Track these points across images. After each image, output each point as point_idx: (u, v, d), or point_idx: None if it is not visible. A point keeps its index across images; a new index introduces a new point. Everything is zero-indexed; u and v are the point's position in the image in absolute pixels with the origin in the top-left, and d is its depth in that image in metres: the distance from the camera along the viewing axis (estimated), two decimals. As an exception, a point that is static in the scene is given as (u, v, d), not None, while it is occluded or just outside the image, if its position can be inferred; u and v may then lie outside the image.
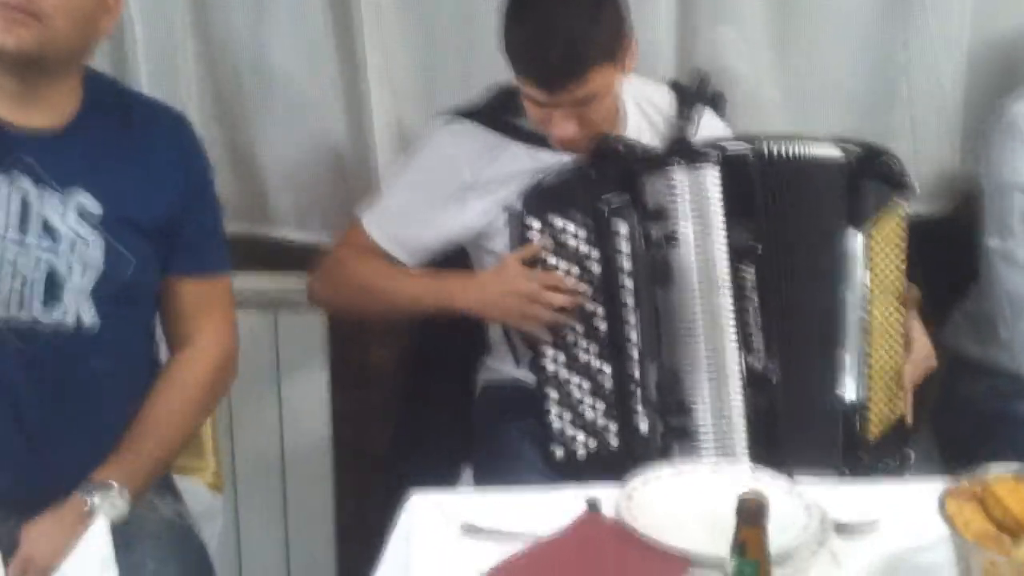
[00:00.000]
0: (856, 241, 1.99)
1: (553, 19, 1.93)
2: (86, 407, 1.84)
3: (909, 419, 2.05)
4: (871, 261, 2.00)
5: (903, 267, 2.05)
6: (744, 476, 1.68)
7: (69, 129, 1.83)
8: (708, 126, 2.19)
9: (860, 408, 2.01)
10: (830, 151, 2.02)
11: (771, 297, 1.96)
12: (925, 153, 2.44)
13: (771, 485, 1.62)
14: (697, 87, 2.25)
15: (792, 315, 1.99)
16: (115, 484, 1.78)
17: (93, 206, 1.81)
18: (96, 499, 1.76)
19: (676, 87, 2.27)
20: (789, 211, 1.99)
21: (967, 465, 1.53)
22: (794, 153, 2.00)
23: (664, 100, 2.23)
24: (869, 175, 2.02)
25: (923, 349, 2.08)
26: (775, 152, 1.98)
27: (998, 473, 1.48)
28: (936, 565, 1.46)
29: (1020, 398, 2.28)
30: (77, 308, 1.82)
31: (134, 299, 1.89)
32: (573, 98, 1.96)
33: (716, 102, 2.31)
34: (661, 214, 1.96)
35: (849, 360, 2.00)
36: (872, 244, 2.00)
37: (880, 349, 2.02)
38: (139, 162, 1.88)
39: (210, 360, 1.97)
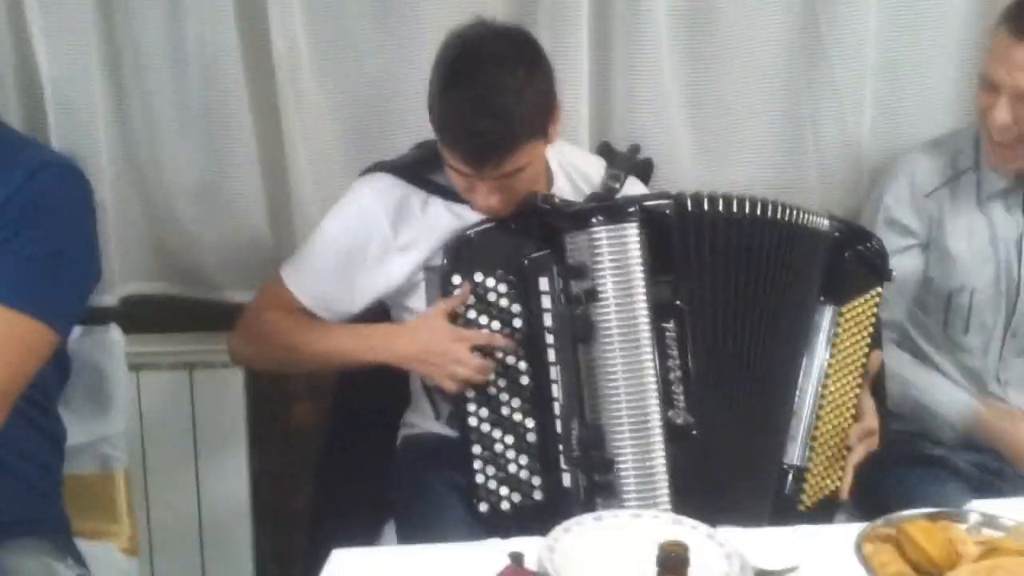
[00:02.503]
0: (825, 316, 2.05)
1: (483, 96, 1.92)
2: None
3: (844, 494, 2.08)
4: (838, 337, 2.05)
5: (869, 345, 2.10)
6: (665, 523, 1.68)
7: None
8: (632, 191, 2.21)
9: (798, 475, 2.04)
10: (815, 220, 2.06)
11: (701, 353, 1.97)
12: (833, 204, 2.48)
13: (692, 532, 1.63)
14: (627, 152, 2.27)
15: (730, 371, 2.00)
16: None
17: None
18: None
19: (606, 150, 2.29)
20: (724, 268, 2.00)
21: (880, 505, 1.56)
22: (751, 212, 2.01)
23: (593, 169, 2.24)
24: (854, 255, 2.07)
25: (870, 426, 2.11)
26: (708, 208, 2.00)
27: (912, 515, 1.50)
28: (855, 608, 1.47)
29: (928, 439, 2.33)
30: None
31: None
32: (497, 173, 1.96)
33: (644, 170, 2.34)
34: (582, 271, 1.96)
35: (795, 427, 2.04)
36: (841, 322, 2.06)
37: (829, 423, 2.06)
38: None
39: None
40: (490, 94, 1.92)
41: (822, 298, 2.06)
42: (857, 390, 2.09)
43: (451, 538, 1.87)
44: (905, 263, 2.29)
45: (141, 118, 2.45)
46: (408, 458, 2.24)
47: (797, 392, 2.04)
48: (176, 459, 2.52)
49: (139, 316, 2.45)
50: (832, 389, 2.05)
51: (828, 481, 2.08)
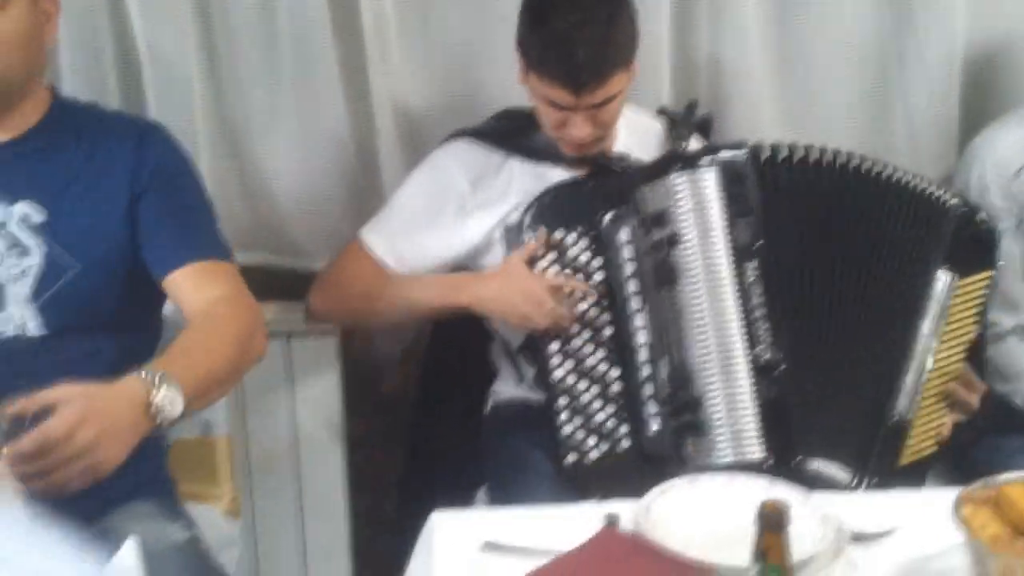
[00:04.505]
0: (943, 283, 2.05)
1: (577, 25, 1.98)
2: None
3: (945, 431, 2.09)
4: (953, 308, 2.05)
5: (976, 323, 2.10)
6: (760, 486, 1.69)
7: (14, 144, 1.87)
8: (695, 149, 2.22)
9: (903, 427, 2.04)
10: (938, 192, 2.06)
11: (786, 292, 1.99)
12: (924, 168, 2.45)
13: (787, 495, 1.64)
14: (685, 112, 2.29)
15: (820, 311, 2.01)
16: (173, 381, 1.62)
17: (36, 214, 1.84)
18: (156, 394, 1.60)
19: (665, 113, 2.31)
20: (807, 212, 2.02)
21: (975, 471, 1.56)
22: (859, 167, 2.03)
23: (654, 128, 2.27)
24: (976, 231, 2.08)
25: (975, 385, 2.12)
26: (785, 154, 2.02)
27: (1011, 477, 1.50)
28: (953, 570, 1.47)
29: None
30: (22, 316, 1.83)
31: (84, 306, 1.87)
32: (594, 99, 2.02)
33: (704, 127, 2.35)
34: (662, 217, 2.00)
35: (905, 381, 2.03)
36: (959, 293, 2.06)
37: (935, 386, 2.06)
38: (85, 168, 1.89)
39: (236, 312, 1.85)
40: (584, 23, 1.99)
41: (943, 267, 2.05)
42: (962, 362, 2.09)
43: (542, 500, 1.90)
44: (1005, 247, 2.25)
45: (235, 92, 2.50)
46: (496, 424, 2.28)
47: (909, 351, 2.03)
48: (274, 425, 2.56)
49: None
50: (942, 355, 2.04)
51: (926, 443, 2.07)
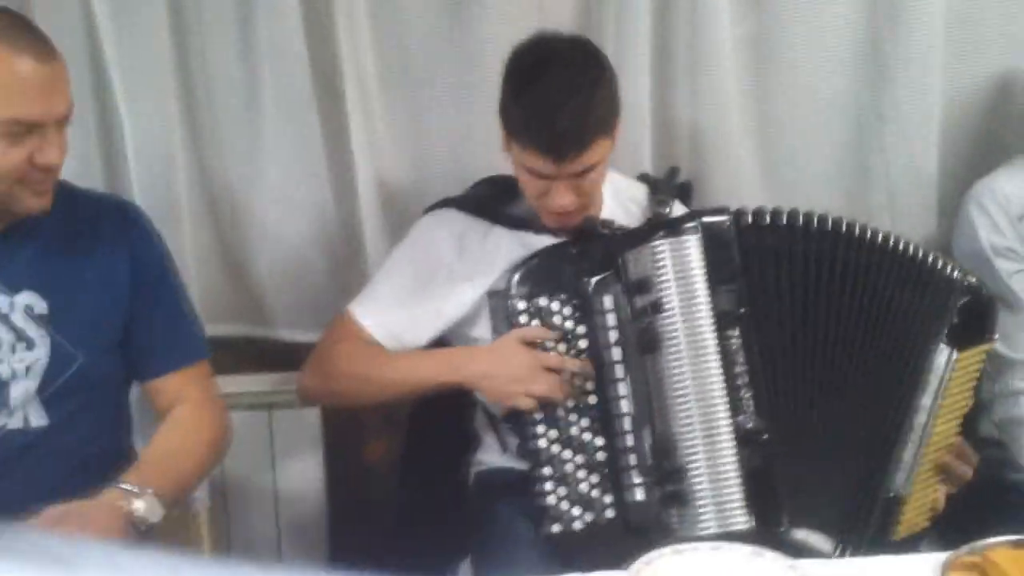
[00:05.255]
0: (943, 357, 2.01)
1: (559, 91, 1.98)
2: (47, 504, 1.73)
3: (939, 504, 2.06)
4: (952, 381, 2.02)
5: (971, 396, 2.08)
6: (745, 555, 1.67)
7: (12, 233, 1.86)
8: (678, 214, 2.22)
9: (898, 504, 2.01)
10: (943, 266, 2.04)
11: (769, 359, 1.97)
12: (905, 229, 2.46)
13: (772, 564, 1.62)
14: (667, 177, 2.29)
15: (805, 379, 1.99)
16: (150, 490, 1.74)
17: (39, 305, 1.84)
18: (137, 502, 1.71)
19: (646, 179, 2.32)
20: (790, 278, 1.99)
21: (963, 534, 1.54)
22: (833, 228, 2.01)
23: (638, 193, 2.27)
24: (977, 304, 2.05)
25: (968, 458, 2.09)
26: (768, 219, 2.00)
27: (996, 542, 1.49)
28: (941, 636, 1.46)
29: (1008, 467, 2.30)
30: (24, 411, 1.83)
31: (88, 394, 1.90)
32: (574, 168, 2.01)
33: (685, 192, 2.36)
34: (646, 284, 1.98)
35: (901, 456, 2.00)
36: (957, 367, 2.02)
37: (930, 460, 2.03)
38: (85, 256, 1.90)
39: (208, 418, 1.98)
40: (566, 92, 1.98)
41: (944, 340, 2.03)
42: (958, 436, 2.07)
43: (526, 570, 1.88)
44: (1017, 288, 2.27)
45: (218, 165, 2.52)
46: (480, 494, 2.25)
47: (907, 426, 2.00)
48: (256, 498, 2.54)
49: (215, 358, 2.49)
50: (939, 429, 2.02)
51: (921, 518, 2.05)
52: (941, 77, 2.51)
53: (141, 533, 1.70)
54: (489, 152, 2.28)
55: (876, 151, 2.56)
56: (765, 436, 1.95)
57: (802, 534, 1.95)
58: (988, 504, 2.15)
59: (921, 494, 2.03)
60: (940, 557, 1.49)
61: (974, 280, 2.07)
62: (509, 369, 2.03)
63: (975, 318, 2.05)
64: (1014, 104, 2.54)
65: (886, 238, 2.02)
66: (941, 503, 2.05)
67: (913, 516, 2.03)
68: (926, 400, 2.01)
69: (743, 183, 2.56)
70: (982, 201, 2.32)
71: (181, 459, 1.88)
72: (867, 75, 2.53)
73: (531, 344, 2.03)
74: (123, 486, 1.73)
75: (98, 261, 1.91)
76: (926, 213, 2.57)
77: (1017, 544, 1.48)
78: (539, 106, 1.99)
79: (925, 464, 2.02)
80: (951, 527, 2.08)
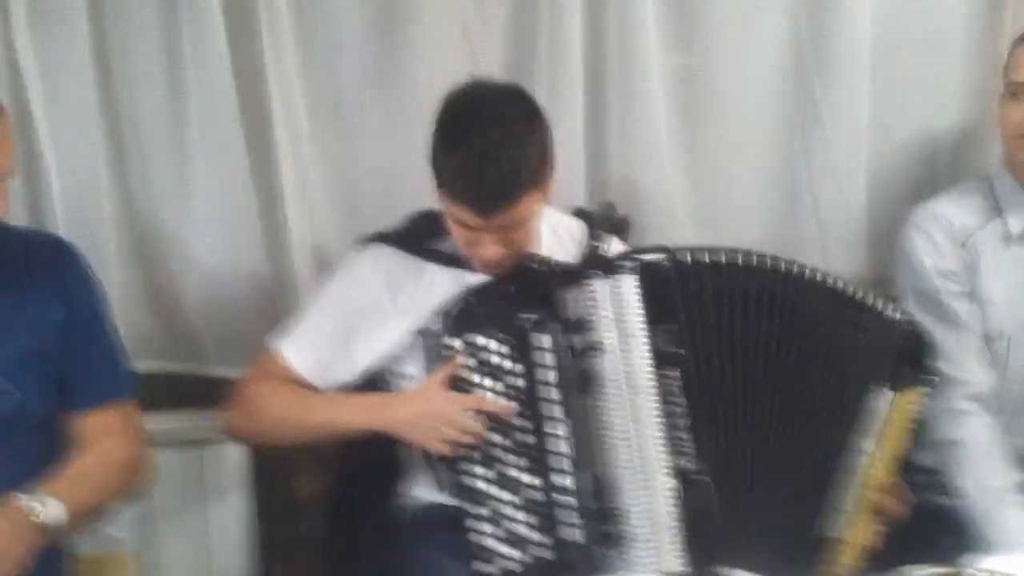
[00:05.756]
0: (883, 399, 2.04)
1: (488, 146, 1.96)
2: None
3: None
4: (891, 424, 2.04)
5: (908, 437, 2.10)
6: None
7: None
8: (615, 249, 2.23)
9: (834, 546, 2.02)
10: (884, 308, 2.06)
11: (708, 401, 1.97)
12: (834, 264, 2.50)
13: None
14: (603, 213, 2.30)
15: (744, 422, 1.99)
16: (53, 496, 1.80)
17: None
18: (38, 506, 1.77)
19: (582, 214, 2.32)
20: (728, 318, 1.99)
21: (895, 559, 1.55)
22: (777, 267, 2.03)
23: (575, 227, 2.27)
24: (918, 347, 2.08)
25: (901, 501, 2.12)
26: (705, 259, 2.00)
27: (921, 573, 1.50)
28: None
29: (944, 493, 2.31)
30: None
31: (23, 430, 1.90)
32: (503, 222, 1.99)
33: (621, 228, 2.36)
34: (582, 325, 1.97)
35: (839, 499, 2.02)
36: (896, 408, 2.05)
37: (867, 502, 2.05)
38: (17, 294, 1.90)
39: (121, 446, 1.99)
40: (495, 146, 1.96)
41: (885, 384, 2.05)
42: (894, 475, 2.09)
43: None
44: (962, 308, 2.31)
45: (144, 199, 2.48)
46: (412, 531, 2.22)
47: (846, 468, 2.02)
48: (184, 537, 2.51)
49: (144, 394, 2.45)
50: (877, 471, 2.04)
51: (857, 559, 2.06)
52: (868, 113, 2.55)
53: (45, 536, 1.75)
54: (420, 191, 2.26)
55: (804, 183, 2.60)
56: (703, 477, 1.96)
57: (737, 574, 1.95)
58: (914, 529, 2.17)
59: (856, 534, 2.05)
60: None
61: (914, 321, 2.10)
62: (431, 417, 2.02)
63: (915, 360, 2.08)
64: (943, 134, 2.60)
65: (825, 277, 2.04)
66: (876, 543, 2.06)
67: (850, 557, 2.04)
68: (866, 443, 2.03)
69: (674, 219, 2.58)
70: (924, 225, 2.36)
71: (89, 477, 1.90)
72: (795, 109, 2.57)
73: (457, 382, 2.02)
74: (24, 491, 1.78)
75: (31, 296, 1.91)
76: (856, 245, 2.62)
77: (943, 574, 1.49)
78: (467, 160, 1.97)
79: (863, 506, 2.04)
80: (877, 553, 2.11)
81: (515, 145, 1.97)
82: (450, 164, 2.00)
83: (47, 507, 1.77)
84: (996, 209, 2.34)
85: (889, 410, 2.04)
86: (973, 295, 2.32)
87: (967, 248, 2.32)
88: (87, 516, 1.90)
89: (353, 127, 2.50)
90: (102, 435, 1.97)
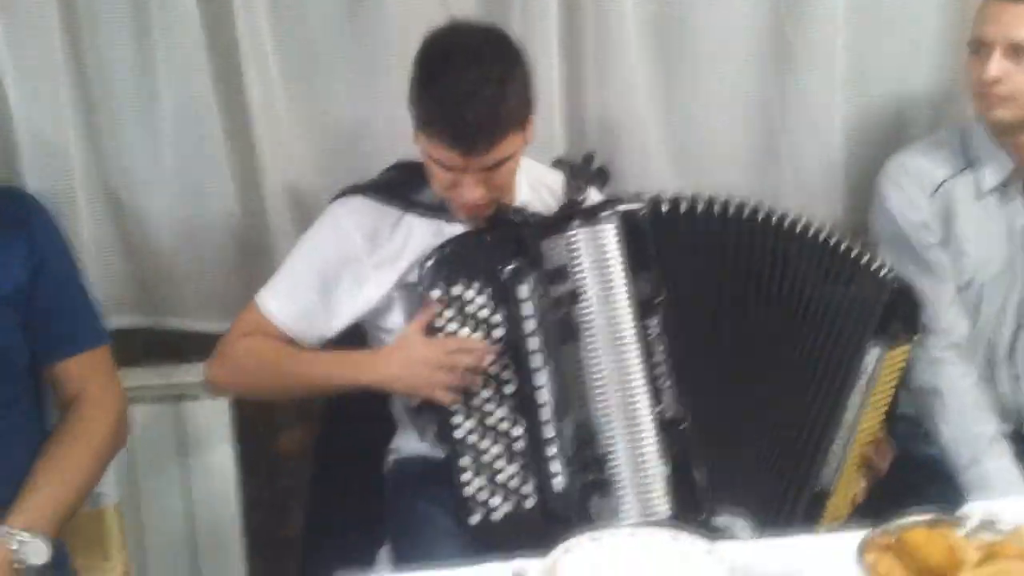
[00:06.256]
0: (872, 356, 2.06)
1: (469, 85, 1.94)
2: None
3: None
4: (880, 379, 2.07)
5: (895, 389, 2.13)
6: (664, 539, 1.68)
7: None
8: (594, 200, 2.22)
9: (823, 498, 2.05)
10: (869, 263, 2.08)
11: (689, 348, 1.98)
12: (812, 210, 2.49)
13: (690, 547, 1.63)
14: (582, 163, 2.29)
15: (727, 369, 2.01)
16: (28, 533, 1.82)
17: None
18: (16, 546, 1.80)
19: (562, 163, 2.31)
20: (708, 266, 2.01)
21: (883, 509, 1.57)
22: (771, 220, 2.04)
23: (553, 180, 2.26)
24: (901, 303, 2.10)
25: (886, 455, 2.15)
26: (684, 207, 2.01)
27: (911, 522, 1.51)
28: (858, 616, 1.48)
29: (919, 441, 2.34)
30: None
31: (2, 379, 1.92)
32: (484, 162, 1.98)
33: (600, 178, 2.35)
34: (562, 273, 1.98)
35: (829, 453, 2.04)
36: (885, 364, 2.07)
37: (856, 456, 2.08)
38: None
39: (102, 416, 2.00)
40: (476, 84, 1.95)
41: (874, 340, 2.07)
42: (881, 429, 2.12)
43: (447, 559, 1.87)
44: (935, 257, 2.33)
45: (115, 153, 2.46)
46: (397, 483, 2.24)
47: (837, 422, 2.04)
48: (166, 491, 2.51)
49: (118, 349, 2.45)
50: (865, 425, 2.07)
51: (843, 511, 2.09)
52: (844, 60, 2.54)
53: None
54: (393, 142, 2.27)
55: (781, 132, 2.60)
56: (686, 424, 1.97)
57: (724, 520, 1.97)
58: (900, 479, 2.20)
59: (845, 488, 2.07)
60: (855, 537, 1.51)
61: (901, 278, 2.11)
62: (416, 367, 2.01)
63: (902, 317, 2.09)
64: (919, 83, 2.60)
65: (807, 227, 2.05)
66: (861, 496, 2.08)
67: (837, 509, 2.06)
68: (855, 398, 2.04)
69: (651, 165, 2.57)
70: (897, 178, 2.37)
71: (68, 479, 1.92)
72: (770, 56, 2.56)
73: (436, 331, 2.02)
74: (7, 528, 1.81)
75: None
76: (834, 193, 2.62)
77: (931, 523, 1.51)
78: (448, 98, 1.96)
79: (851, 459, 2.06)
80: (864, 503, 2.13)
81: (495, 84, 1.96)
82: (431, 104, 1.99)
83: (30, 547, 1.81)
84: (968, 160, 2.34)
85: (877, 366, 2.06)
86: (947, 243, 2.34)
87: (940, 198, 2.33)
88: (73, 514, 1.94)
89: (324, 74, 2.48)
90: (84, 383, 1.99)
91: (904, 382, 2.20)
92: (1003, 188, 2.32)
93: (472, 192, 2.02)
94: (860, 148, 2.61)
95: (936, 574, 1.42)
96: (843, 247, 2.07)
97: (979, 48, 2.24)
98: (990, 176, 2.32)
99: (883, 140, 2.59)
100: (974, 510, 1.61)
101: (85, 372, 2.01)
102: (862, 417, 2.06)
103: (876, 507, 1.71)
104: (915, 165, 2.36)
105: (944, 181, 2.33)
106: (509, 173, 2.06)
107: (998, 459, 2.24)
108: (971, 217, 2.33)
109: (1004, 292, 2.34)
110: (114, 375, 2.06)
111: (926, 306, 2.23)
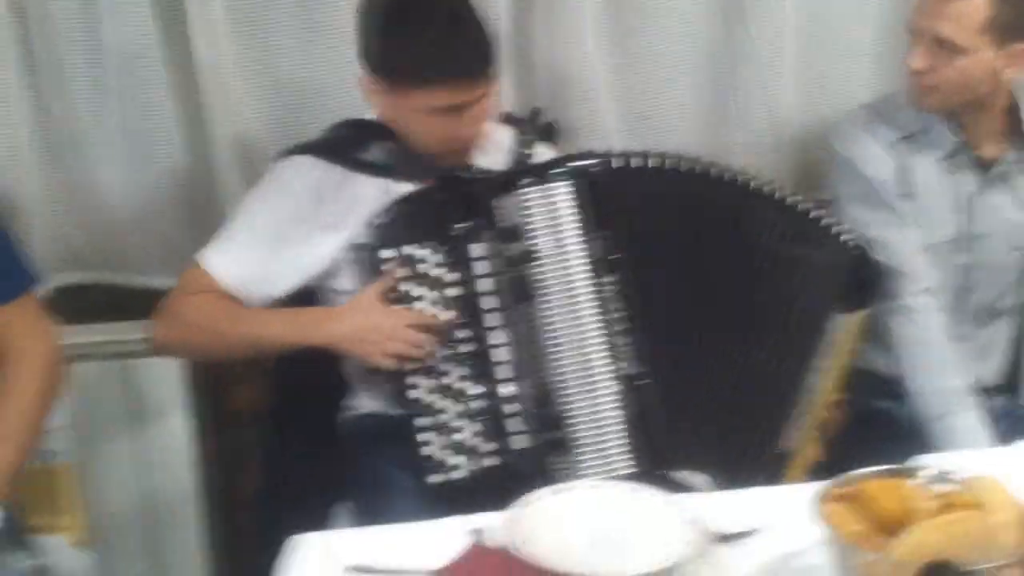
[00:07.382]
0: (836, 322, 2.08)
1: (453, 19, 1.99)
2: None
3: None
4: (843, 344, 2.09)
5: (854, 350, 2.15)
6: (623, 492, 1.70)
7: None
8: (544, 155, 2.22)
9: (787, 458, 2.08)
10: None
11: (647, 305, 1.99)
12: (765, 166, 2.51)
13: (650, 500, 1.65)
14: (530, 118, 2.29)
15: (687, 326, 2.02)
16: None
17: None
18: None
19: (510, 119, 2.30)
20: (664, 223, 2.02)
21: (840, 463, 1.59)
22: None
23: (503, 137, 2.25)
24: (862, 269, 2.12)
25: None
26: (635, 163, 2.03)
27: (867, 473, 1.54)
28: (816, 568, 1.50)
29: (888, 397, 2.36)
30: None
31: None
32: (475, 95, 2.00)
33: (549, 133, 2.35)
34: (515, 232, 1.98)
35: (792, 413, 2.07)
36: (848, 329, 2.10)
37: (816, 415, 2.10)
38: None
39: (30, 372, 1.96)
40: (459, 17, 2.00)
41: (836, 305, 2.09)
42: (839, 390, 2.15)
43: (407, 517, 1.86)
44: (907, 206, 2.33)
45: (62, 109, 2.42)
46: (353, 441, 2.22)
47: (800, 386, 2.07)
48: (120, 450, 2.50)
49: (69, 306, 2.42)
50: (825, 388, 2.10)
51: (803, 471, 2.11)
52: (793, 16, 2.55)
53: None
54: (341, 96, 2.26)
55: (731, 88, 2.60)
56: (644, 382, 1.98)
57: (683, 476, 1.99)
58: (858, 434, 2.23)
59: (806, 448, 2.10)
60: (813, 488, 1.53)
61: (862, 244, 2.13)
62: (367, 330, 2.00)
63: (864, 283, 2.11)
64: (869, 42, 2.61)
65: (762, 185, 2.06)
66: (823, 455, 2.11)
67: (797, 470, 2.10)
68: (815, 361, 2.06)
69: (601, 121, 2.56)
70: (855, 134, 2.36)
71: (4, 438, 1.91)
72: (720, 12, 2.55)
73: (392, 293, 2.01)
74: None
75: None
76: (785, 149, 2.63)
77: (888, 474, 1.53)
78: (437, 37, 1.96)
79: (812, 420, 2.08)
80: (824, 460, 2.16)
81: (471, 18, 2.00)
82: (415, 50, 1.98)
83: None
84: (922, 121, 2.34)
85: (838, 331, 2.08)
86: (909, 198, 2.34)
87: (898, 156, 2.34)
88: (19, 466, 1.92)
89: (270, 28, 2.46)
90: (10, 338, 1.96)
91: (872, 336, 2.22)
92: (951, 159, 2.34)
93: (471, 128, 2.05)
94: (809, 108, 2.63)
95: (891, 523, 1.44)
96: (801, 207, 2.08)
97: (911, 35, 2.25)
98: (938, 146, 2.33)
99: (836, 94, 2.62)
100: (929, 462, 1.65)
101: (15, 320, 1.97)
102: (821, 378, 2.09)
103: (836, 464, 1.73)
104: (871, 124, 2.36)
105: (900, 140, 2.34)
106: (487, 112, 2.07)
107: (966, 413, 2.26)
108: (928, 178, 2.34)
109: (949, 257, 2.36)
110: (42, 324, 2.02)
111: (895, 254, 2.25)
